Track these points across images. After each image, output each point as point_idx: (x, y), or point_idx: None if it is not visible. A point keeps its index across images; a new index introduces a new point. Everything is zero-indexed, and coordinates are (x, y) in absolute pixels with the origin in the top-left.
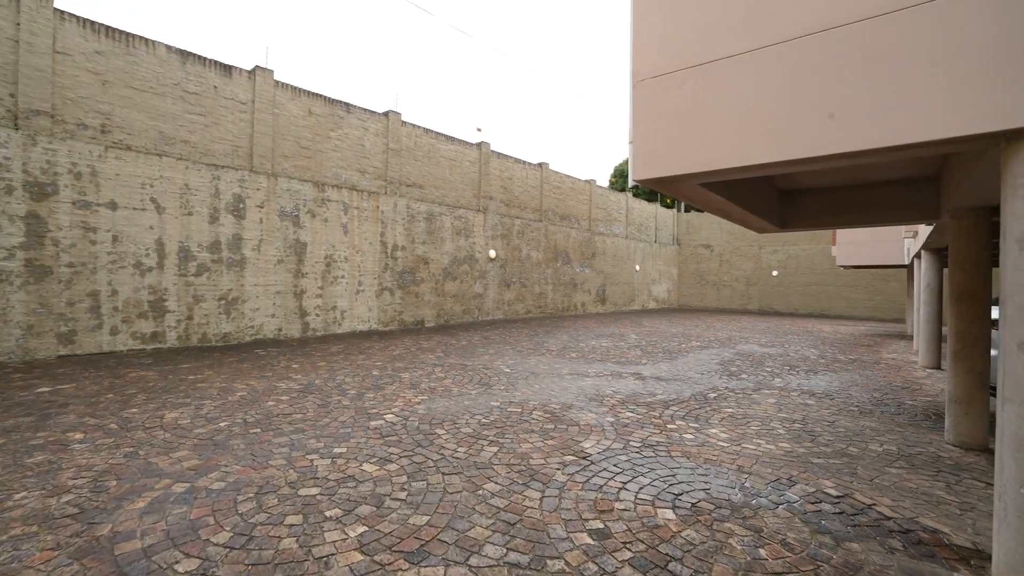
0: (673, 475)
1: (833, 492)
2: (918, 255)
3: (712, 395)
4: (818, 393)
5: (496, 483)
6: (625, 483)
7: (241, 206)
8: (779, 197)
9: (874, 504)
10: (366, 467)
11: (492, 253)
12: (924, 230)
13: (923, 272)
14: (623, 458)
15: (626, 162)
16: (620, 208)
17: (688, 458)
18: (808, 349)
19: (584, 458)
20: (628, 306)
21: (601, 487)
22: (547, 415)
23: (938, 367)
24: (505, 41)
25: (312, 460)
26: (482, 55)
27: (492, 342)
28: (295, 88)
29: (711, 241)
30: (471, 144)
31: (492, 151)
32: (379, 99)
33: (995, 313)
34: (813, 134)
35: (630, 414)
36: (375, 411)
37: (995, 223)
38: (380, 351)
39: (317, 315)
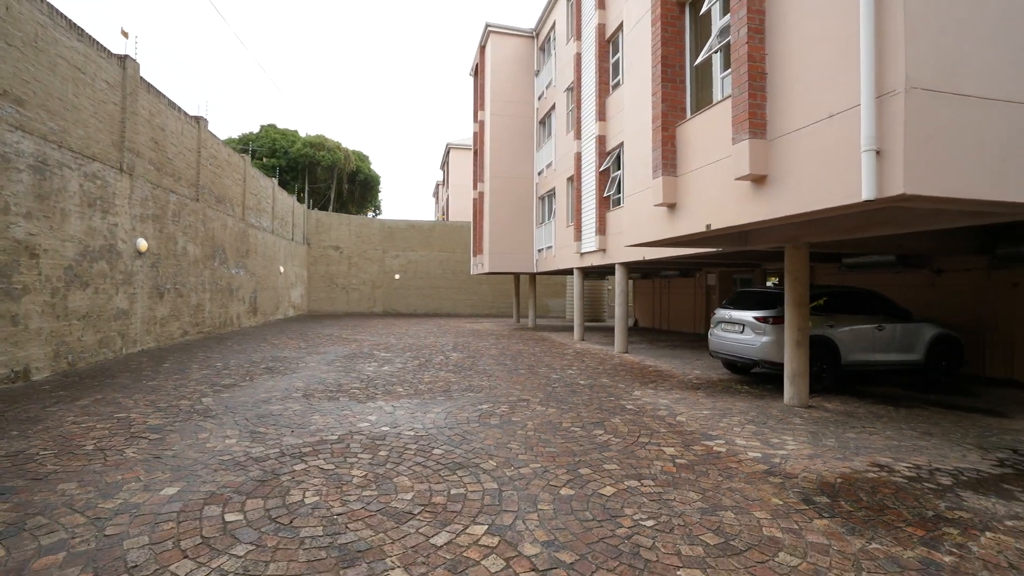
0: None
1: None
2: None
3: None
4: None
5: None
6: None
7: None
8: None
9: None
10: None
11: (143, 244)
12: (615, 246)
13: (617, 281)
14: None
15: (260, 134)
16: (268, 196)
17: None
18: (519, 345)
19: None
20: (274, 314)
21: None
22: None
23: (626, 352)
24: None
25: None
26: None
27: (137, 438)
28: None
29: (340, 242)
30: (111, 55)
31: (143, 79)
32: None
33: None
34: None
35: None
36: None
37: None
38: None
39: None
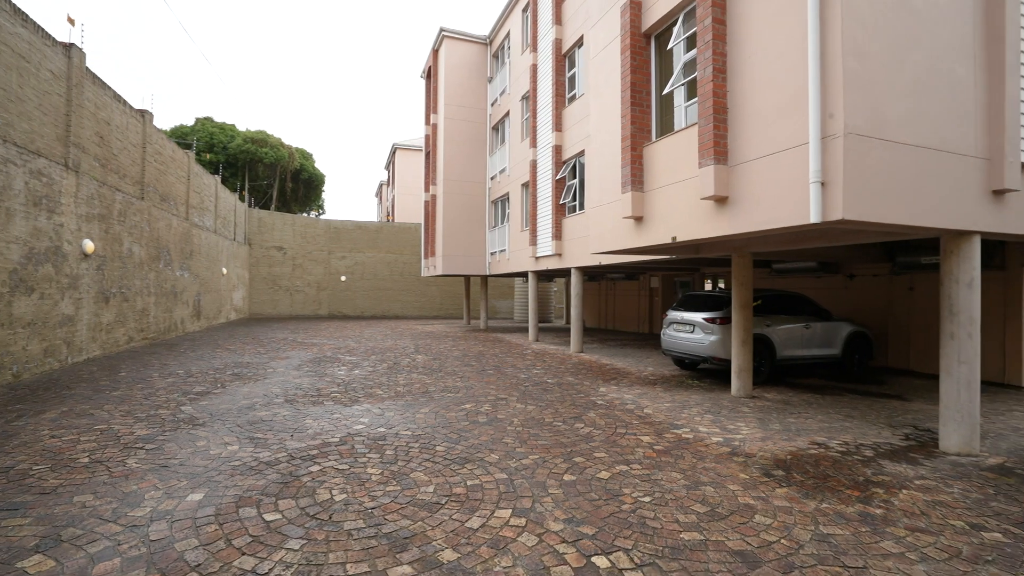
0: None
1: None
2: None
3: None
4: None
5: None
6: None
7: None
8: None
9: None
10: None
11: (89, 245)
12: (572, 250)
13: (573, 284)
14: None
15: (196, 127)
16: (211, 195)
17: None
18: (479, 346)
19: None
20: (217, 318)
21: None
22: None
23: (582, 351)
24: None
25: None
26: None
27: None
28: None
29: (284, 243)
30: (55, 43)
31: (88, 70)
32: None
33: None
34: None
35: None
36: None
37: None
38: None
39: None
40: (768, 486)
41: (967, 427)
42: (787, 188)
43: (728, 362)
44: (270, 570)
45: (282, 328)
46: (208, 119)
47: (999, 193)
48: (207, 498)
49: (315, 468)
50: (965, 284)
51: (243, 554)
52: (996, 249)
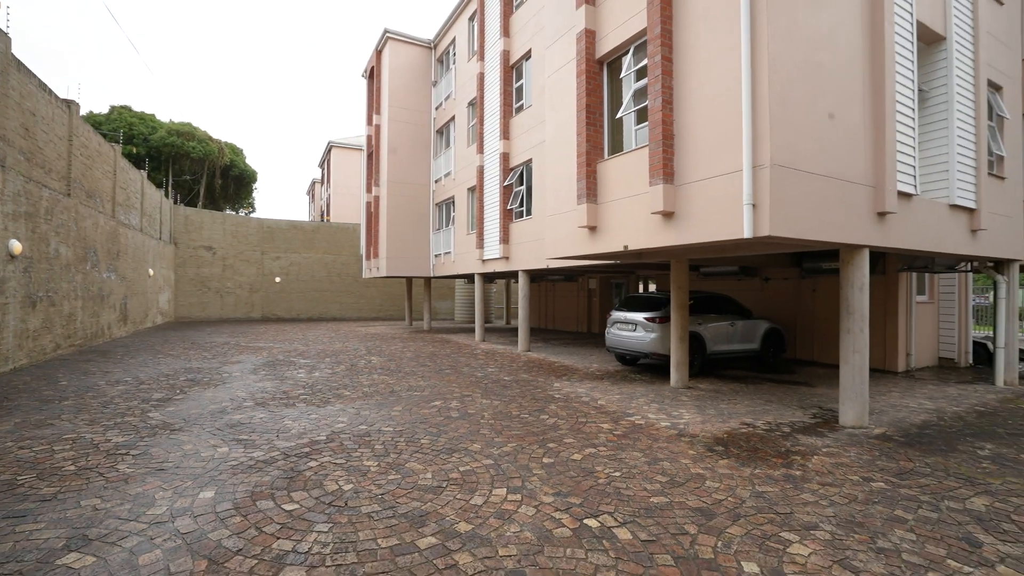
0: None
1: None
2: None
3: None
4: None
5: None
6: None
7: None
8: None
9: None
10: None
11: (16, 246)
12: (522, 255)
13: (521, 286)
14: None
15: (112, 115)
16: (137, 191)
17: None
18: (429, 347)
19: None
20: (143, 323)
21: None
22: None
23: (529, 350)
24: None
25: None
26: None
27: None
28: None
29: (213, 242)
30: None
31: (14, 56)
32: None
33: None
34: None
35: None
36: None
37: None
38: None
39: None
40: (712, 459)
41: (859, 405)
42: (725, 207)
43: (667, 357)
44: (309, 549)
45: (217, 332)
46: (126, 108)
47: (882, 214)
48: (219, 495)
49: (313, 463)
50: (858, 288)
51: (277, 538)
52: (879, 259)
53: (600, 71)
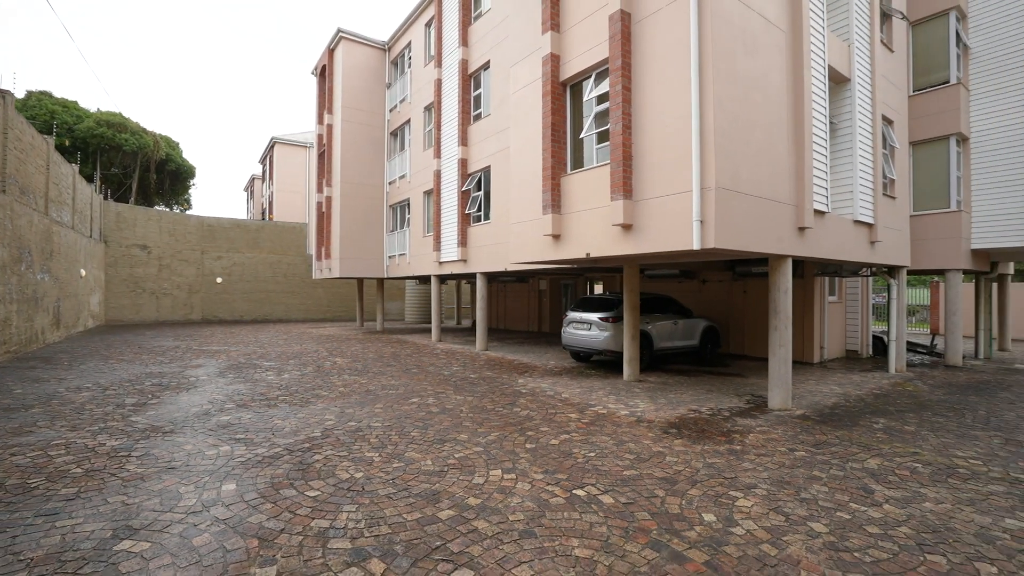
0: None
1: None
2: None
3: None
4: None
5: None
6: None
7: None
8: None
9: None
10: None
11: None
12: (484, 256)
13: (478, 287)
14: None
15: (31, 102)
16: (69, 186)
17: None
18: (388, 348)
19: None
20: (76, 326)
21: None
22: None
23: (487, 350)
24: None
25: None
26: None
27: None
28: None
29: (148, 241)
30: None
31: None
32: None
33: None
34: (783, 244)
35: None
36: None
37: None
38: None
39: None
40: (668, 439)
41: (784, 391)
42: (677, 222)
43: (619, 354)
44: (345, 525)
45: (160, 335)
46: (46, 94)
47: (802, 229)
48: (241, 487)
49: (319, 456)
50: (783, 291)
51: (313, 519)
52: (798, 265)
53: (564, 92)
